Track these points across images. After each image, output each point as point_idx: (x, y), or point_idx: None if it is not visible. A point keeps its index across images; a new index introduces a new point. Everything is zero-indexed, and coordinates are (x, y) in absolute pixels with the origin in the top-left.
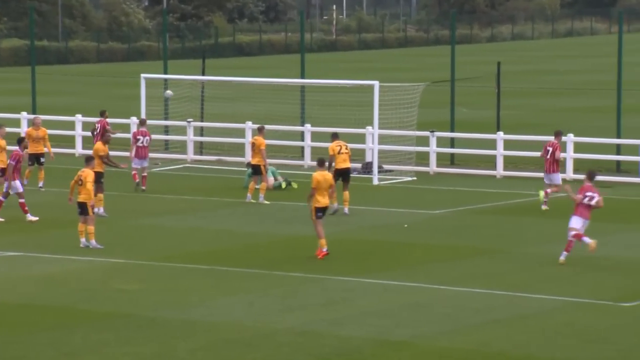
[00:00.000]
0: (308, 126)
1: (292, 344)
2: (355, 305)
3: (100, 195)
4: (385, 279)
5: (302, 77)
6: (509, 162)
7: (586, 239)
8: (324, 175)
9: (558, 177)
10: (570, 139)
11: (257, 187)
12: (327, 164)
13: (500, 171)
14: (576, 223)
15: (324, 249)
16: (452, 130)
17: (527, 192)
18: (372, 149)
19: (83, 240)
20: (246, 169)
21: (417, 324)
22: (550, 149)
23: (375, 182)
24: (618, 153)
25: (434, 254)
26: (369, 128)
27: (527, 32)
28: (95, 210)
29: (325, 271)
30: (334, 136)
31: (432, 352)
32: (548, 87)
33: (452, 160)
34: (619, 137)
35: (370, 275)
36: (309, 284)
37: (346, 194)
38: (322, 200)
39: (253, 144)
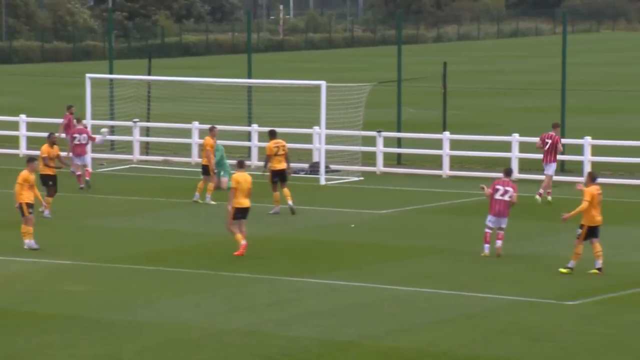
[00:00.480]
0: (255, 126)
1: (239, 344)
2: (302, 306)
3: (49, 199)
4: (332, 279)
5: (249, 77)
6: (455, 162)
7: (498, 242)
8: (245, 177)
9: (552, 168)
10: (515, 138)
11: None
12: (246, 165)
13: (446, 171)
14: (491, 222)
15: (242, 242)
16: (399, 130)
17: (473, 191)
18: (319, 149)
19: (26, 241)
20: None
21: (364, 324)
22: (550, 141)
23: (323, 182)
24: (562, 153)
25: (381, 254)
26: (316, 128)
27: (473, 32)
28: (41, 210)
29: (272, 271)
30: (272, 134)
31: (379, 351)
32: (494, 87)
33: (399, 160)
34: (563, 137)
35: (317, 275)
36: (255, 285)
37: (286, 190)
38: (243, 201)
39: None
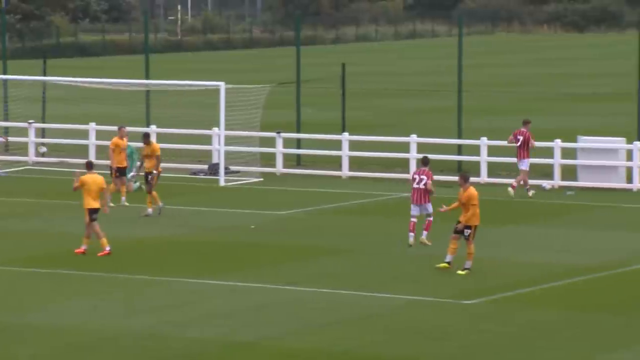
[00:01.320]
0: (153, 127)
1: (137, 347)
2: (202, 307)
3: None
4: (231, 280)
5: (147, 78)
6: (355, 163)
7: (424, 233)
8: (94, 178)
9: (526, 163)
10: (413, 139)
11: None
12: (93, 166)
13: (345, 172)
14: (414, 210)
15: (107, 248)
16: (298, 131)
17: (372, 192)
18: (218, 150)
19: None
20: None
21: (264, 325)
22: (521, 137)
23: (222, 183)
24: (459, 153)
25: (281, 255)
26: (215, 129)
27: (371, 34)
28: None
29: (171, 273)
30: (146, 137)
31: (279, 352)
32: (392, 88)
33: (299, 161)
34: (459, 137)
35: (216, 276)
36: (154, 287)
37: (154, 193)
38: (92, 202)
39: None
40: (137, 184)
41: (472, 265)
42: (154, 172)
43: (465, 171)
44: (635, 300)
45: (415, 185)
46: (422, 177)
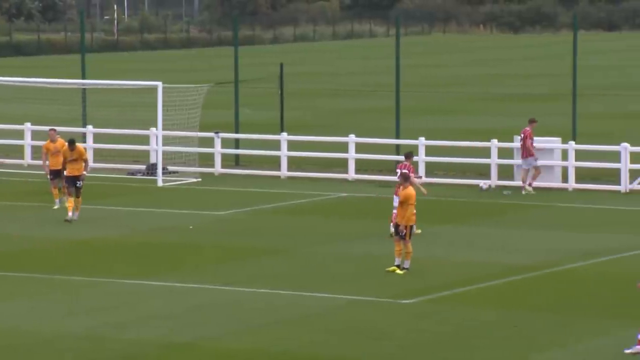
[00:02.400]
0: (90, 127)
1: (75, 349)
2: (140, 308)
3: None
4: (170, 281)
5: (83, 78)
6: (293, 163)
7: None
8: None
9: (532, 161)
10: (352, 139)
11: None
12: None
13: (284, 172)
14: (396, 202)
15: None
16: (237, 131)
17: (311, 192)
18: (156, 150)
19: None
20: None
21: (202, 326)
22: (522, 135)
23: (160, 183)
24: (397, 153)
25: (220, 255)
26: (153, 129)
27: (309, 34)
28: None
29: (108, 274)
30: (71, 144)
31: (218, 353)
32: (330, 88)
33: (237, 161)
34: (397, 137)
35: (155, 277)
36: (92, 288)
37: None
38: None
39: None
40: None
41: (410, 265)
42: (84, 173)
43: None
44: (570, 299)
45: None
46: (403, 171)
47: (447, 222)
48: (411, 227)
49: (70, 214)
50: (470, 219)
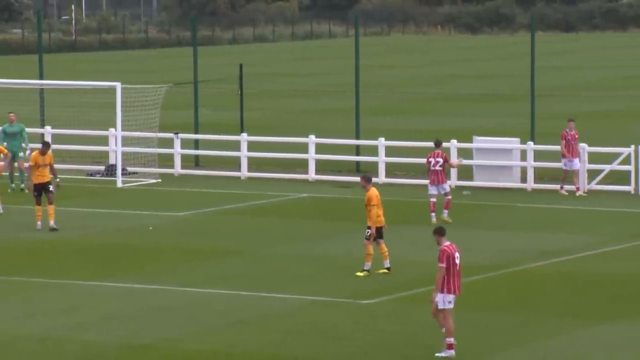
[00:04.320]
0: (48, 128)
1: (33, 351)
2: (99, 310)
3: None
4: (129, 283)
5: (41, 78)
6: (253, 163)
7: (445, 211)
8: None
9: (576, 163)
10: (312, 140)
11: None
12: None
13: (244, 172)
14: (432, 190)
15: None
16: (196, 132)
17: (271, 192)
18: (115, 151)
19: None
20: None
21: (162, 327)
22: (564, 141)
23: (119, 184)
24: (357, 154)
25: (180, 256)
26: (112, 130)
27: (268, 35)
28: None
29: (67, 276)
30: (46, 146)
31: (178, 354)
32: (290, 88)
33: (197, 161)
34: (357, 138)
35: (114, 279)
36: (50, 290)
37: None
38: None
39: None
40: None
41: (369, 267)
42: (57, 180)
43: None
44: (528, 299)
45: (432, 168)
46: (437, 159)
47: (406, 222)
48: (381, 227)
49: (39, 222)
50: (429, 219)
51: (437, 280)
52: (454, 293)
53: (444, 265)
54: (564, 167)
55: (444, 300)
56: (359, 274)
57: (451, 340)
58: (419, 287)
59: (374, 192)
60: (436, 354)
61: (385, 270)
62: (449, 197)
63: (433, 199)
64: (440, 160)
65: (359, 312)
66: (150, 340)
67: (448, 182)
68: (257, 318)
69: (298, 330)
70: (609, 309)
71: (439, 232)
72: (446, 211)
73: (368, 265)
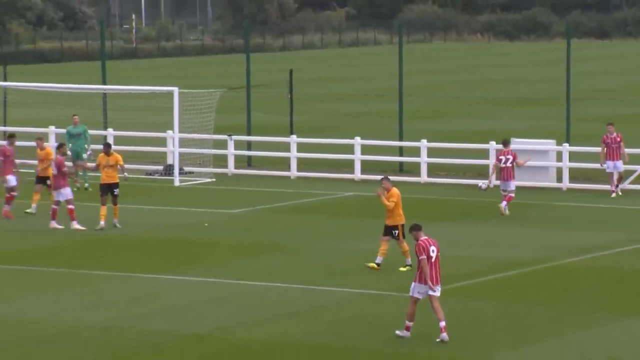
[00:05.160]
0: (110, 130)
1: (98, 339)
2: (159, 302)
3: None
4: (187, 276)
5: (104, 83)
6: (302, 164)
7: (503, 202)
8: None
9: (619, 165)
10: (357, 141)
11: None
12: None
13: (294, 172)
14: (504, 185)
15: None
16: (249, 134)
17: (319, 191)
18: (173, 152)
19: None
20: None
21: (217, 317)
22: (609, 142)
23: (177, 183)
24: (401, 154)
25: (234, 251)
26: (170, 132)
27: (317, 42)
28: None
29: (130, 269)
30: (107, 147)
31: (232, 343)
32: (337, 93)
33: (249, 162)
34: (401, 139)
35: (173, 272)
36: (114, 282)
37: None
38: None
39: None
40: (87, 184)
41: (410, 261)
42: (125, 174)
43: (386, 173)
44: (563, 293)
45: (502, 165)
46: (507, 157)
47: (448, 219)
48: (402, 226)
49: (102, 222)
50: (470, 217)
51: (422, 271)
52: (434, 283)
53: (424, 257)
54: (608, 170)
55: (415, 289)
56: (401, 269)
57: (409, 323)
58: (459, 281)
59: (396, 191)
60: (396, 331)
61: (408, 267)
62: (513, 194)
63: (505, 193)
64: (510, 157)
65: (401, 304)
66: (206, 330)
67: (513, 181)
68: (307, 310)
69: (346, 322)
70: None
71: (416, 228)
72: (505, 203)
73: (381, 257)
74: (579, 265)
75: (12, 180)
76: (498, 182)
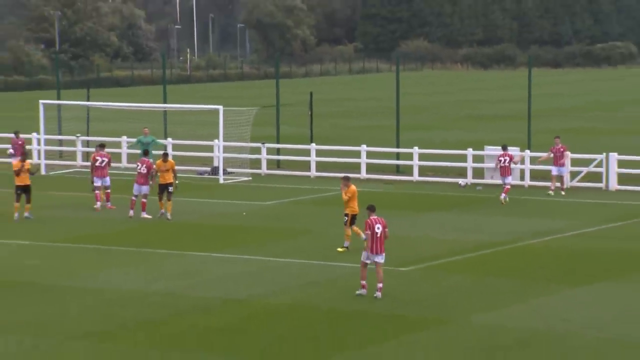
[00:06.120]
0: (170, 139)
1: (159, 303)
2: (206, 274)
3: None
4: (228, 254)
5: (165, 102)
6: (320, 166)
7: (502, 195)
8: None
9: (563, 170)
10: (364, 148)
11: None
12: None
13: (313, 172)
14: (503, 180)
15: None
16: (278, 142)
17: (333, 188)
18: (218, 156)
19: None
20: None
21: (253, 286)
22: (555, 152)
23: (221, 181)
24: (398, 159)
25: (265, 234)
26: (216, 141)
27: (331, 70)
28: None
29: (183, 248)
30: (165, 156)
31: (264, 307)
32: (347, 110)
33: (278, 164)
34: (398, 147)
35: (217, 251)
36: (170, 258)
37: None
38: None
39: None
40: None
41: (348, 245)
42: (176, 182)
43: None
44: (526, 268)
45: (501, 165)
46: (505, 157)
47: (435, 210)
48: (353, 215)
49: (162, 210)
50: (453, 208)
51: (367, 246)
52: (375, 252)
53: (368, 232)
54: (553, 173)
55: (364, 256)
56: (339, 249)
57: (363, 282)
58: (441, 259)
59: (354, 188)
60: (356, 292)
61: (345, 249)
62: (509, 186)
63: (507, 186)
64: (507, 158)
65: (399, 277)
66: (243, 296)
67: (510, 177)
68: (324, 281)
69: (354, 289)
70: (585, 275)
71: (370, 208)
72: (505, 195)
73: (347, 243)
74: (538, 245)
75: (107, 180)
76: (475, 181)
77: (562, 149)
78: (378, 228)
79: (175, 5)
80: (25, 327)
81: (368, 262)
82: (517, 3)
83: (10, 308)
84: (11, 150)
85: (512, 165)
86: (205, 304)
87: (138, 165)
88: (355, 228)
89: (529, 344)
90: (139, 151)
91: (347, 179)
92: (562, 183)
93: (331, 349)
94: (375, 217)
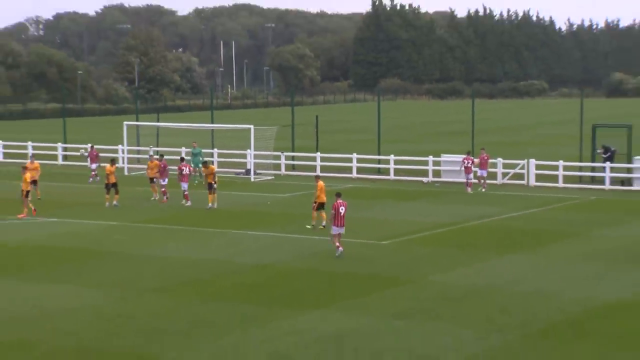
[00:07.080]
0: (216, 150)
1: (208, 266)
2: (241, 246)
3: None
4: (257, 231)
5: (212, 123)
6: (324, 168)
7: (468, 189)
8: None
9: (484, 172)
10: (354, 156)
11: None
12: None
13: (319, 173)
14: (466, 177)
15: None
16: (293, 151)
17: (333, 184)
18: (250, 161)
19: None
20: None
21: (276, 255)
22: (478, 159)
23: (252, 179)
24: (379, 163)
25: (284, 217)
26: (248, 150)
27: (331, 100)
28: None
29: (223, 227)
30: (205, 164)
31: (287, 270)
32: (343, 128)
33: (293, 167)
34: (379, 154)
35: (250, 229)
36: (215, 236)
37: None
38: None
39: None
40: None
41: (321, 224)
42: (214, 183)
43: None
44: (472, 241)
45: (466, 165)
46: (469, 160)
47: (405, 200)
48: (321, 203)
49: (210, 204)
50: (419, 199)
51: (332, 219)
52: (338, 226)
53: (333, 212)
54: (478, 174)
55: (335, 229)
56: (308, 226)
57: (337, 244)
58: (407, 235)
59: (322, 184)
60: (336, 254)
61: (322, 227)
62: (472, 181)
63: (470, 181)
64: (470, 161)
65: (380, 248)
66: (270, 262)
67: (470, 176)
68: (325, 251)
69: (346, 258)
70: (511, 247)
71: (338, 195)
72: (469, 189)
73: (315, 222)
74: (480, 225)
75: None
76: (435, 179)
77: (486, 157)
78: (342, 209)
79: (220, 54)
80: (114, 284)
81: (335, 232)
82: (463, 53)
83: (103, 270)
84: (84, 152)
85: (473, 167)
86: (239, 267)
87: (183, 169)
88: (322, 213)
89: (471, 296)
90: (188, 157)
91: (317, 177)
92: (484, 182)
93: (331, 299)
94: (341, 200)
